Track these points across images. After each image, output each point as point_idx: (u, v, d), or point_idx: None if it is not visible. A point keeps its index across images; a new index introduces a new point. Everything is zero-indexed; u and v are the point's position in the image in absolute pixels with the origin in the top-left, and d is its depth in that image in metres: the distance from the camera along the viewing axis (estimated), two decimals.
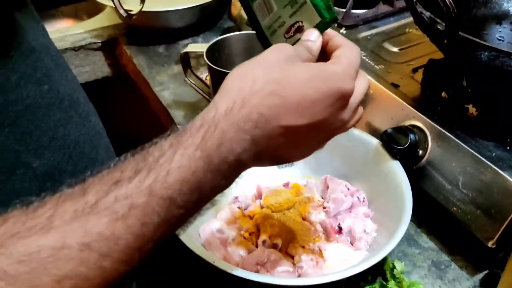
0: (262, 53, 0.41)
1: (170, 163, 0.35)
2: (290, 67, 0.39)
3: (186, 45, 1.02)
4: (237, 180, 0.69)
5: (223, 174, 0.37)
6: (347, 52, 0.42)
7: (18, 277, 0.30)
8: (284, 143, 0.39)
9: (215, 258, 0.50)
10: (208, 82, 0.81)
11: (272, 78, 0.38)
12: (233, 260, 0.55)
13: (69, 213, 0.32)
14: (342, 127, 0.43)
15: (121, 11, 0.58)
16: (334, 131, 0.43)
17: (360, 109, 0.44)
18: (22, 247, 0.31)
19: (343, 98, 0.40)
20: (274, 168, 0.69)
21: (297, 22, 0.45)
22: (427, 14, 0.59)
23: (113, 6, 0.89)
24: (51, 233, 0.31)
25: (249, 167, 0.40)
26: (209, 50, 0.72)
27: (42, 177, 0.44)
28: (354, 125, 0.45)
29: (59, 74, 0.49)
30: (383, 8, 0.86)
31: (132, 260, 0.34)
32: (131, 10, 0.61)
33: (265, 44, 0.49)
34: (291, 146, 0.40)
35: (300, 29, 0.45)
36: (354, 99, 0.41)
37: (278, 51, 0.41)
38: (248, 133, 0.37)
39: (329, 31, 0.44)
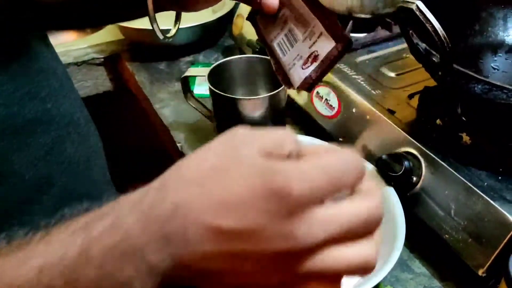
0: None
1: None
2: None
3: (187, 62, 1.05)
4: None
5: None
6: (321, 150, 0.29)
7: None
8: (212, 253, 0.27)
9: None
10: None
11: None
12: None
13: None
14: (304, 257, 0.27)
15: (159, 34, 0.61)
16: (288, 259, 0.27)
17: (364, 246, 0.28)
18: None
19: (282, 200, 0.26)
20: None
21: (314, 51, 0.47)
22: (423, 45, 0.61)
23: None
24: None
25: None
26: (210, 73, 0.73)
27: (32, 187, 0.46)
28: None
29: (63, 95, 0.52)
30: (381, 32, 0.88)
31: None
32: (167, 32, 0.64)
33: (285, 78, 0.51)
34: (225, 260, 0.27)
35: (316, 58, 0.47)
36: (327, 213, 0.27)
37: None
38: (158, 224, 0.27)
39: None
